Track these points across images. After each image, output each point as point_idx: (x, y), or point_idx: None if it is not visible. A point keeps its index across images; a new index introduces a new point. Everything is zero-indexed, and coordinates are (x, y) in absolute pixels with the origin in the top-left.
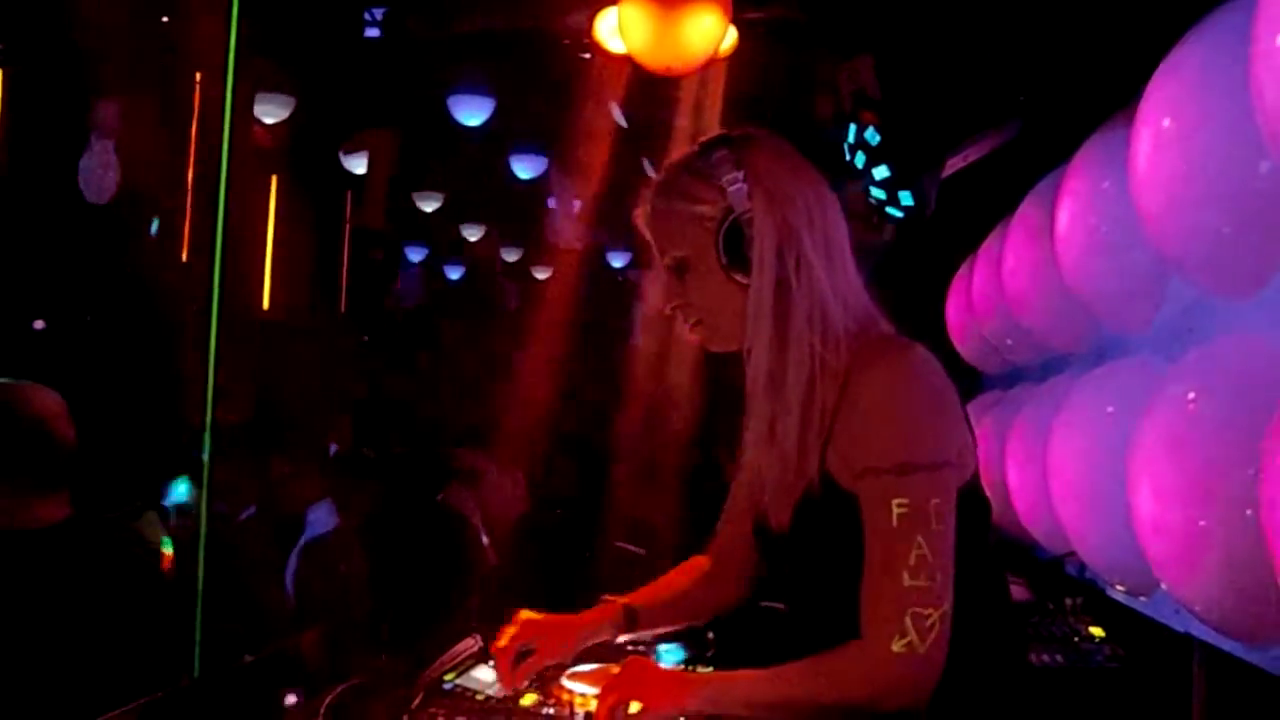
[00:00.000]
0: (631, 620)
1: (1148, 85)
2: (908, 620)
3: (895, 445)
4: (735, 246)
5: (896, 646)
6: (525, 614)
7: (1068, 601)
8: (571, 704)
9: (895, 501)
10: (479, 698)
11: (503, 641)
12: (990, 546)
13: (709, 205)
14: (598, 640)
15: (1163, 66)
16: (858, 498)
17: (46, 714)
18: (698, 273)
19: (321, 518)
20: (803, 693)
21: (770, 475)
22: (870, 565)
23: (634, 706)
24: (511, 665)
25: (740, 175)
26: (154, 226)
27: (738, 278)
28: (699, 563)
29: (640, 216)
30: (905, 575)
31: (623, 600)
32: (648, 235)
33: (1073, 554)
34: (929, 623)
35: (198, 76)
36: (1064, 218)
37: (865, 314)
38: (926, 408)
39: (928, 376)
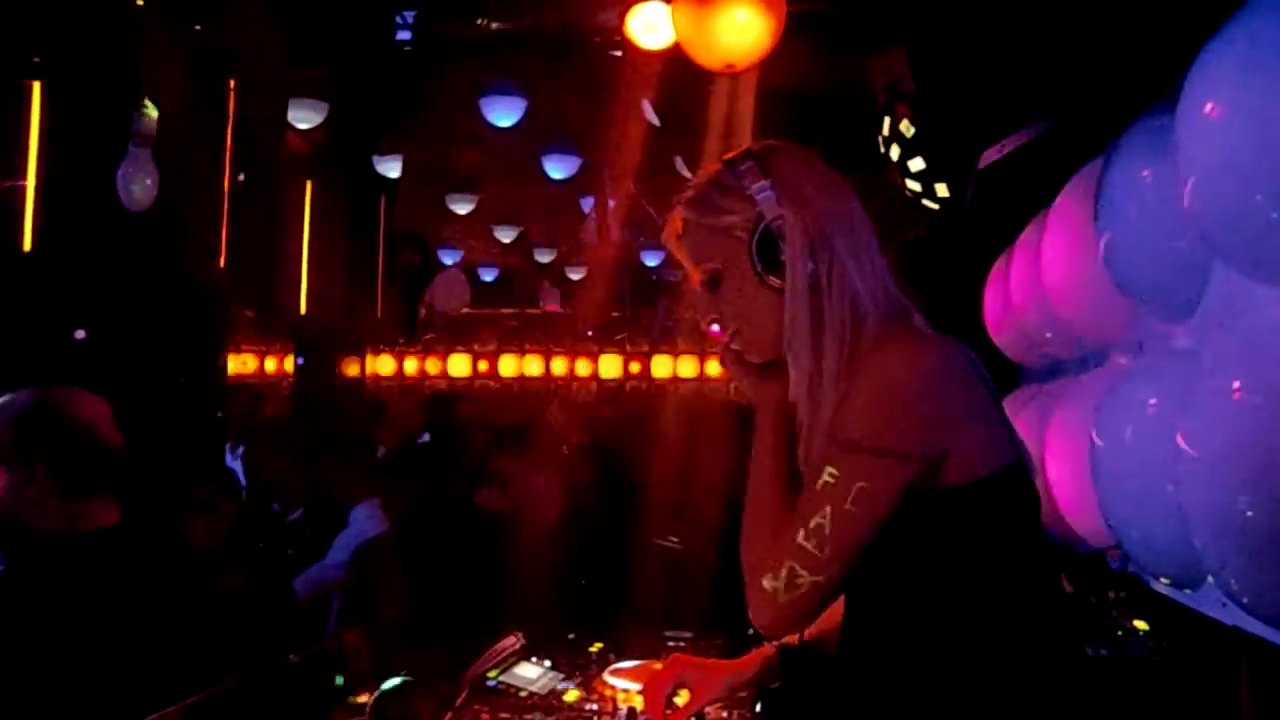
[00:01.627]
0: (788, 660)
1: (1191, 70)
2: (784, 570)
3: (851, 420)
4: (768, 253)
5: (766, 584)
6: (676, 656)
7: (1110, 595)
8: (614, 700)
9: (828, 469)
10: (522, 694)
11: (656, 681)
12: (1040, 540)
13: (739, 215)
14: (750, 684)
15: (1207, 50)
16: None
17: (100, 714)
18: (732, 283)
19: (364, 517)
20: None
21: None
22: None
23: (680, 697)
24: (664, 705)
25: (768, 184)
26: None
27: (772, 283)
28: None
29: (670, 234)
30: (801, 533)
31: (777, 644)
32: (678, 251)
33: (1115, 547)
34: (799, 582)
35: (231, 84)
36: (1104, 206)
37: (897, 310)
38: (899, 396)
39: (921, 367)
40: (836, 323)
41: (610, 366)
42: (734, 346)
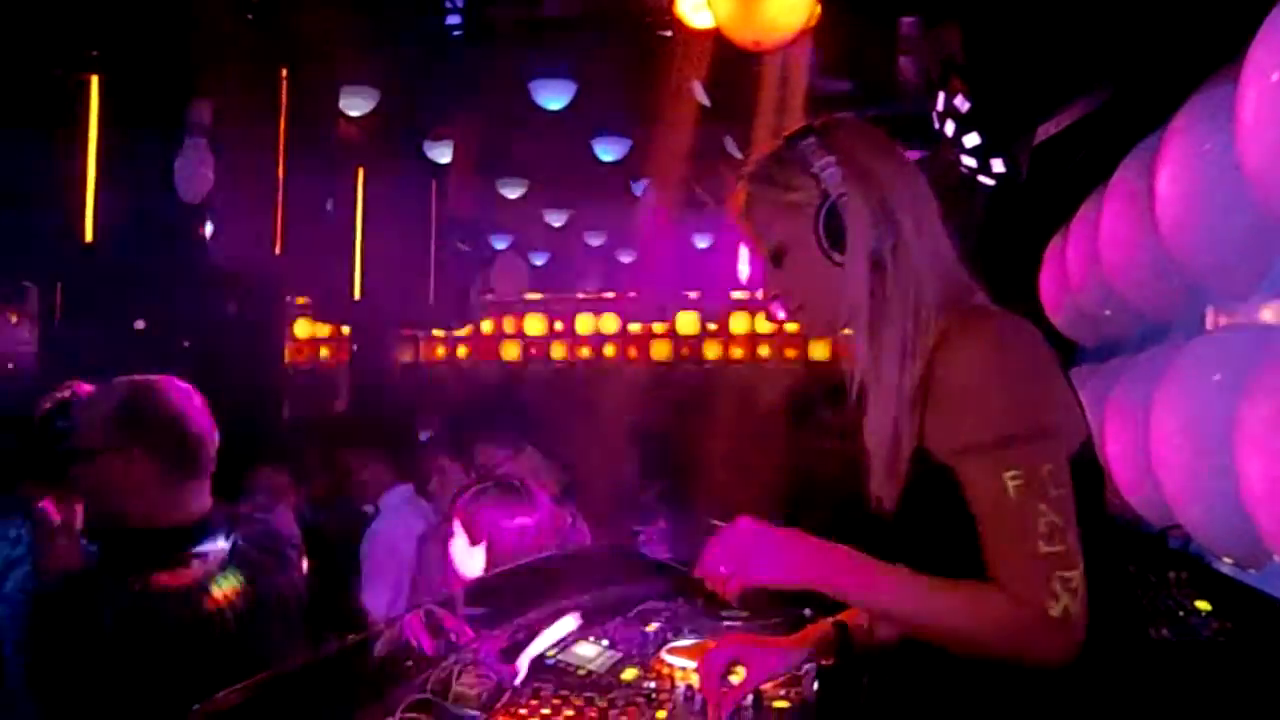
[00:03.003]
0: (844, 638)
1: (1255, 38)
2: (1057, 584)
3: (994, 418)
4: (833, 229)
5: (1054, 611)
6: (732, 634)
7: (1171, 575)
8: (672, 678)
9: (1007, 474)
10: (580, 673)
11: (711, 659)
12: (1105, 519)
13: (803, 191)
14: (805, 661)
15: (1272, 17)
16: (958, 475)
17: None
18: (796, 259)
19: (394, 503)
20: (948, 624)
21: (876, 456)
22: (996, 541)
23: (735, 675)
24: (719, 683)
25: (832, 159)
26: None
27: (837, 259)
28: None
29: (734, 208)
30: (1040, 543)
31: (832, 619)
32: (743, 226)
33: (1177, 527)
34: (1074, 585)
35: (283, 72)
36: (1164, 181)
37: (960, 287)
38: (1020, 376)
39: (1019, 344)
40: (898, 299)
41: (687, 323)
42: (798, 321)
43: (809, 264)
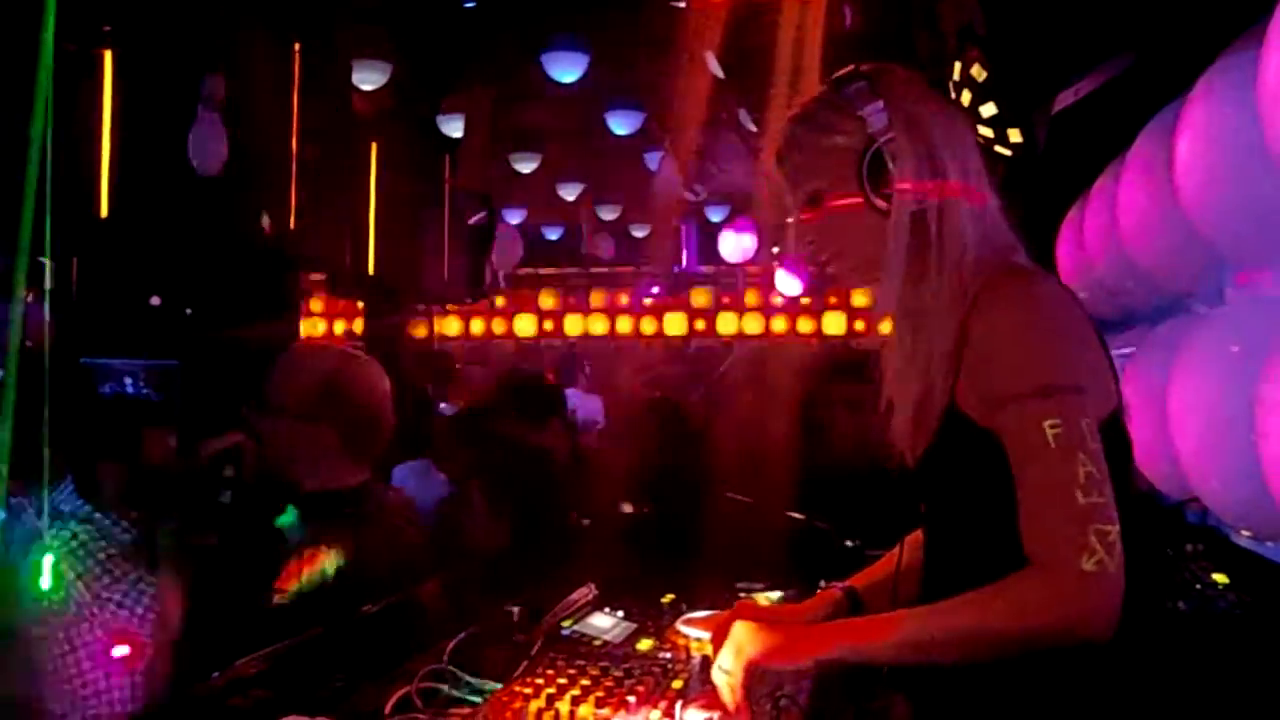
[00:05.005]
0: (854, 604)
1: (1278, 4)
2: (1093, 537)
3: (1036, 369)
4: (877, 174)
5: (1087, 565)
6: (744, 602)
7: (1188, 548)
8: (687, 648)
9: (1047, 423)
10: (596, 643)
11: (725, 629)
12: (1132, 491)
13: (848, 136)
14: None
15: None
16: (997, 430)
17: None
18: (834, 205)
19: (406, 475)
20: (974, 624)
21: (902, 410)
22: (1033, 492)
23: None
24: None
25: (880, 104)
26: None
27: (879, 205)
28: (920, 539)
29: (772, 155)
30: (1079, 493)
31: (842, 585)
32: (779, 173)
33: (1194, 500)
34: (1112, 539)
35: (296, 46)
36: (1184, 150)
37: (1003, 244)
38: (1060, 333)
39: (1059, 305)
40: (941, 251)
41: (674, 324)
42: (830, 270)
43: (848, 210)
